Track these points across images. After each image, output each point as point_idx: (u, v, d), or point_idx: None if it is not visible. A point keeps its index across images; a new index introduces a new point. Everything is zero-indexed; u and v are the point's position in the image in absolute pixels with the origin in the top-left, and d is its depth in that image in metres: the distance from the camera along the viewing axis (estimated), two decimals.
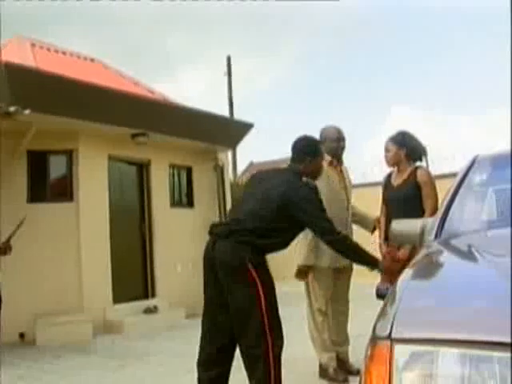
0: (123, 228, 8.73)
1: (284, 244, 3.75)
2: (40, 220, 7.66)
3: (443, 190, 3.51)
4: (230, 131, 10.39)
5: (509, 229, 2.42)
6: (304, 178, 3.80)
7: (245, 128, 10.58)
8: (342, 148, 4.84)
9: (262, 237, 3.53)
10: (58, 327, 7.32)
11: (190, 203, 10.21)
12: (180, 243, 9.47)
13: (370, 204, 5.61)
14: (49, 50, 9.23)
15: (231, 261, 3.50)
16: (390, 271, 3.95)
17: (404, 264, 4.19)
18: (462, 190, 3.05)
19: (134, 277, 8.92)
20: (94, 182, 8.23)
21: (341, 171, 4.88)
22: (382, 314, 1.73)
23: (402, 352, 1.49)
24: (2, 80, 6.59)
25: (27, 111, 6.51)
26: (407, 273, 2.08)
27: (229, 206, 11.57)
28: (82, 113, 7.65)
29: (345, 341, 4.93)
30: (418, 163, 4.67)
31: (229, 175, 13.34)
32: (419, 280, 2.03)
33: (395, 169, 4.72)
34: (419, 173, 4.51)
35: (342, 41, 56.63)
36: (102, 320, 7.97)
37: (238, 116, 16.78)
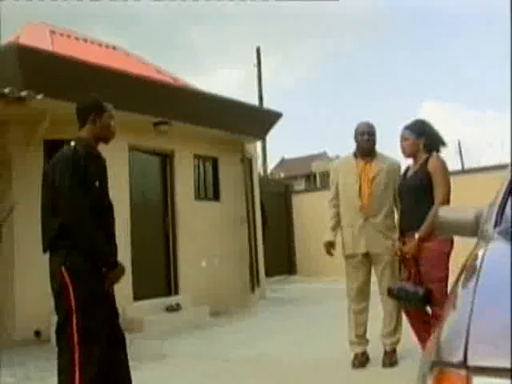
0: (145, 222, 8.34)
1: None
2: None
3: (477, 183, 3.16)
4: (258, 120, 9.92)
5: None
6: (76, 147, 3.26)
7: (273, 117, 10.10)
8: (367, 142, 4.92)
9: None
10: None
11: (216, 196, 9.79)
12: (205, 238, 9.07)
13: None
14: (69, 36, 8.90)
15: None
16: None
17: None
18: None
19: (156, 273, 8.53)
20: (113, 172, 7.73)
21: (366, 164, 4.93)
22: (443, 328, 1.23)
23: None
24: (13, 63, 6.25)
25: (40, 96, 6.16)
26: (470, 274, 1.58)
27: (257, 201, 11.13)
28: (101, 99, 7.26)
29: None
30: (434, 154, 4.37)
31: (258, 168, 12.88)
32: (492, 285, 1.53)
33: (412, 161, 4.50)
34: (430, 161, 4.29)
35: (373, 35, 55.81)
36: (122, 318, 7.57)
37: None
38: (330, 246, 5.06)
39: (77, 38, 9.10)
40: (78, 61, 6.93)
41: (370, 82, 58.67)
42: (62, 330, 3.11)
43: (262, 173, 15.15)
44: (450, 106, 49.00)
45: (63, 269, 3.09)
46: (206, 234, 9.09)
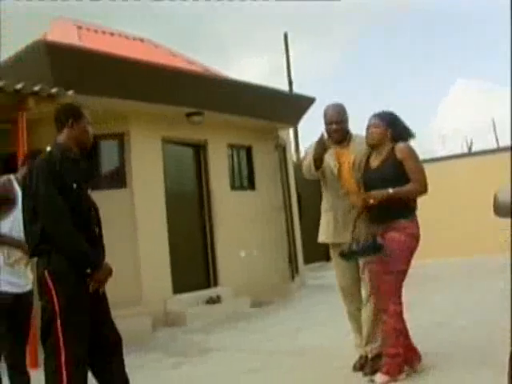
0: (181, 214, 8.26)
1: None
2: None
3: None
4: (290, 106, 9.73)
5: None
6: (51, 152, 3.22)
7: (306, 102, 9.89)
8: (336, 132, 4.43)
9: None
10: (116, 321, 6.91)
11: (252, 185, 9.65)
12: (242, 228, 8.94)
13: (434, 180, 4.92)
14: (96, 31, 8.82)
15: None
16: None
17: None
18: None
19: (194, 265, 8.44)
20: (147, 166, 7.78)
21: (342, 149, 4.47)
22: None
23: None
24: (42, 60, 6.19)
25: (70, 92, 6.09)
26: None
27: (293, 188, 10.97)
28: (132, 93, 7.19)
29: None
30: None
31: (291, 155, 12.67)
32: None
33: (373, 151, 4.28)
34: (397, 149, 4.12)
35: (403, 15, 54.82)
36: (163, 312, 7.55)
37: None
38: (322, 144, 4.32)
39: (104, 32, 9.02)
40: (107, 55, 6.85)
41: (400, 63, 57.49)
42: (47, 332, 3.12)
43: (295, 160, 14.90)
44: (484, 84, 47.74)
45: (46, 273, 3.11)
46: (243, 224, 8.96)
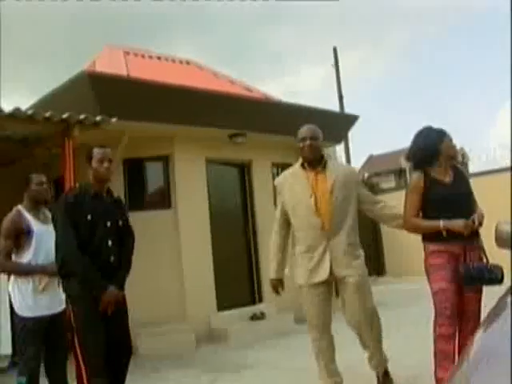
0: (225, 232, 8.47)
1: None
2: (139, 229, 7.52)
3: None
4: (333, 125, 9.80)
5: None
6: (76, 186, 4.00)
7: (349, 121, 9.96)
8: (310, 148, 4.22)
9: None
10: (160, 337, 7.18)
11: None
12: None
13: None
14: (143, 56, 9.21)
15: None
16: None
17: None
18: None
19: (239, 282, 8.63)
20: (192, 186, 8.04)
21: (317, 174, 4.23)
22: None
23: None
24: (86, 90, 6.55)
25: (114, 120, 6.41)
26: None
27: None
28: (176, 117, 7.48)
29: None
30: None
31: None
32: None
33: (442, 164, 3.99)
34: (463, 171, 4.13)
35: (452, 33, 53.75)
36: (207, 328, 7.75)
37: (348, 108, 16.10)
38: (279, 285, 4.47)
39: (150, 57, 9.39)
40: (148, 82, 7.15)
41: (452, 76, 56.43)
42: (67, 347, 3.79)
43: None
44: None
45: (65, 295, 3.64)
46: None
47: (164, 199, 7.96)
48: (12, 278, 4.11)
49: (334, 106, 17.73)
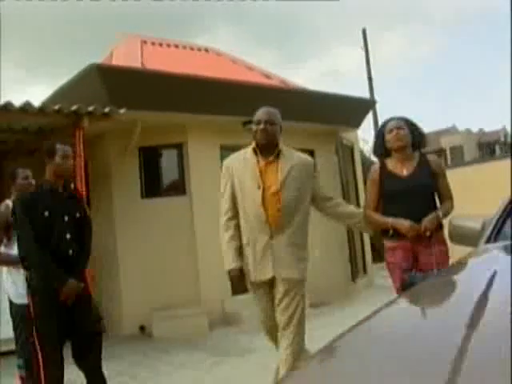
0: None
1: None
2: (154, 215, 7.80)
3: None
4: (350, 110, 9.80)
5: None
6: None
7: (366, 105, 9.92)
8: (263, 132, 3.80)
9: None
10: (174, 320, 7.39)
11: None
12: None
13: None
14: (160, 45, 9.33)
15: None
16: None
17: None
18: None
19: None
20: (206, 173, 8.17)
21: (270, 164, 3.81)
22: None
23: None
24: (96, 83, 6.73)
25: (122, 110, 6.58)
26: None
27: (361, 186, 11.02)
28: (189, 106, 7.61)
29: None
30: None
31: (358, 155, 12.63)
32: None
33: (396, 155, 3.89)
34: (434, 162, 3.89)
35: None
36: (222, 312, 7.93)
37: (378, 91, 15.90)
38: (239, 277, 3.85)
39: (168, 45, 9.51)
40: (157, 73, 7.30)
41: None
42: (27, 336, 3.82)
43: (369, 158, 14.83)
44: None
45: (27, 285, 3.80)
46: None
47: (179, 186, 8.14)
48: (5, 267, 4.38)
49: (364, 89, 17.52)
